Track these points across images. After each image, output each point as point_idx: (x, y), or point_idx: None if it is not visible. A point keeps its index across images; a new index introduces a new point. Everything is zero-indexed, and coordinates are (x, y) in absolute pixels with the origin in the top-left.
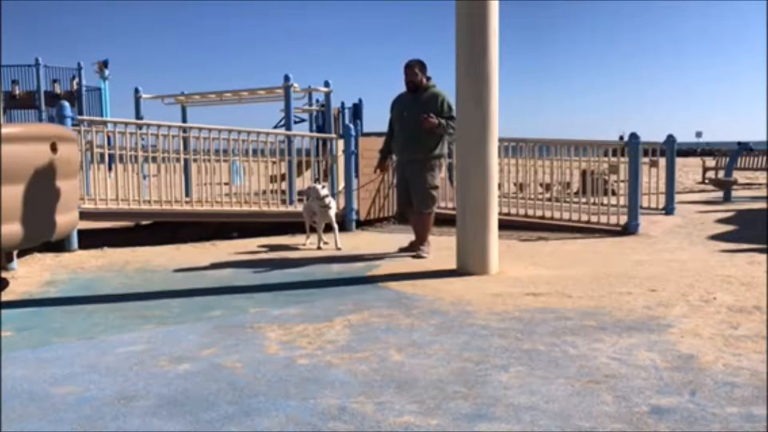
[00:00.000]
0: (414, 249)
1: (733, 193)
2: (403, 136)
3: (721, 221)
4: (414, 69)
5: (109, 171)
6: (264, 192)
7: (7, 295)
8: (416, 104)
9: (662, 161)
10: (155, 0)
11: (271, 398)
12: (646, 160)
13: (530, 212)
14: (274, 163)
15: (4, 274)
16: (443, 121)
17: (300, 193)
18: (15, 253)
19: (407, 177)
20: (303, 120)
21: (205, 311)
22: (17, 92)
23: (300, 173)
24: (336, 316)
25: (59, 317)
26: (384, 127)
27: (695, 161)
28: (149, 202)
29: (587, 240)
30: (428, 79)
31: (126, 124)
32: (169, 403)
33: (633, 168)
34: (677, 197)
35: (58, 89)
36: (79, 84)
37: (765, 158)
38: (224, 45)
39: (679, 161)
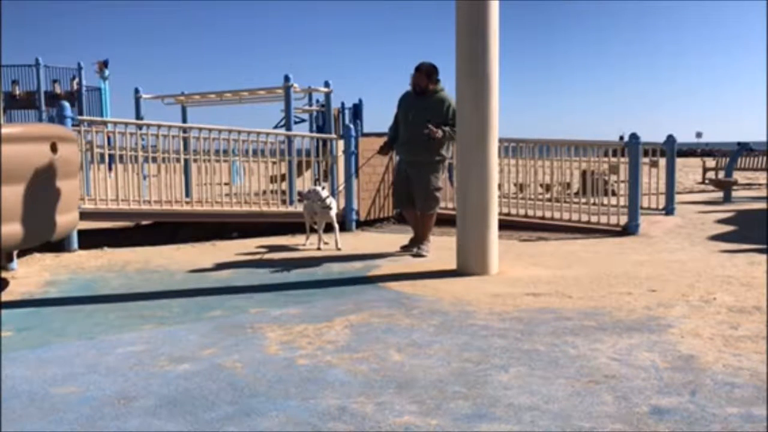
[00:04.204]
0: (414, 246)
1: (734, 194)
2: (408, 138)
3: (721, 221)
4: (422, 74)
5: (109, 171)
6: (264, 192)
7: (7, 295)
8: (422, 107)
9: (662, 161)
10: (155, 0)
11: (271, 398)
12: (646, 160)
13: (530, 212)
14: (274, 163)
15: (4, 274)
16: (447, 130)
17: (300, 194)
18: (15, 253)
19: (410, 177)
20: (303, 120)
21: (205, 311)
22: (17, 92)
23: (300, 173)
24: (336, 316)
25: (59, 317)
26: (384, 128)
27: (695, 161)
28: (149, 202)
29: (587, 240)
30: (437, 82)
31: (126, 124)
32: (169, 403)
33: (633, 168)
34: (677, 198)
35: (58, 89)
36: (79, 84)
37: (765, 158)
38: (224, 45)
39: (679, 161)
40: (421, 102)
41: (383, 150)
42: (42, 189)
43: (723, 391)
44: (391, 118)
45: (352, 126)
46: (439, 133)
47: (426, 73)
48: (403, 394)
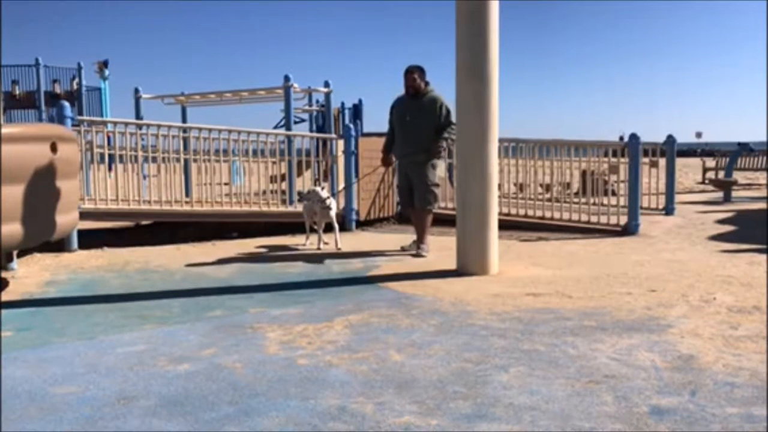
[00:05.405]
0: (414, 246)
1: (733, 194)
2: (406, 140)
3: (721, 221)
4: (414, 75)
5: (109, 171)
6: (264, 192)
7: (7, 295)
8: (417, 108)
9: (662, 162)
10: (155, 0)
11: (271, 398)
12: (646, 160)
13: (530, 212)
14: (274, 163)
15: (4, 274)
16: (447, 137)
17: (300, 194)
18: (15, 253)
19: (410, 177)
20: (303, 120)
21: (205, 311)
22: (17, 92)
23: (300, 173)
24: (336, 316)
25: (59, 317)
26: (384, 127)
27: (695, 162)
28: (149, 202)
29: (587, 240)
30: (426, 84)
31: (126, 124)
32: (169, 403)
33: (633, 168)
34: (677, 197)
35: (58, 89)
36: (79, 84)
37: (765, 158)
38: (224, 45)
39: (679, 162)
40: (415, 103)
41: (386, 161)
42: (42, 189)
43: (723, 391)
44: None
45: (352, 126)
46: (442, 144)
47: (417, 74)
48: (403, 394)
